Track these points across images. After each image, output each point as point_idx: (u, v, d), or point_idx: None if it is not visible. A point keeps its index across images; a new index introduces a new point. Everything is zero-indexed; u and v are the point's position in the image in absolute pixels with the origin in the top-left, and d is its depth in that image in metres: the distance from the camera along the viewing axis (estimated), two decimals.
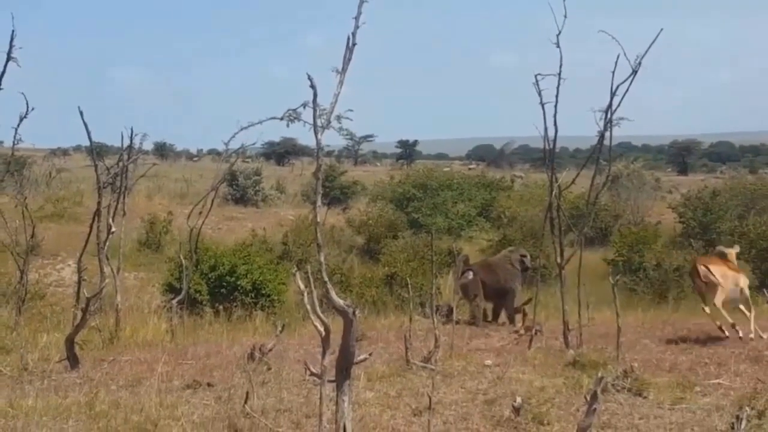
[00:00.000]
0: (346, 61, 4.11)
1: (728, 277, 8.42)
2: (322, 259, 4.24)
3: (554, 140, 8.28)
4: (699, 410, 5.83)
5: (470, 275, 10.13)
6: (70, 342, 7.33)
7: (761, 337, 8.24)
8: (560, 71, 7.67)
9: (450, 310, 9.37)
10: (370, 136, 69.07)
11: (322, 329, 4.22)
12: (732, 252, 8.86)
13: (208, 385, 6.50)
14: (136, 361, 7.58)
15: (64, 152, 56.70)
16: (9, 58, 7.45)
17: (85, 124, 8.39)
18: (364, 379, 6.50)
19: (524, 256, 10.55)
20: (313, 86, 4.10)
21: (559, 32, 7.62)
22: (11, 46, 7.42)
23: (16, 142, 9.24)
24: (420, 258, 13.52)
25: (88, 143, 9.15)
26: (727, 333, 8.20)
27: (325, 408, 4.46)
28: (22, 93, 8.29)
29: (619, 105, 7.78)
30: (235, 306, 11.18)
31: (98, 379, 6.84)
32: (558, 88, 7.77)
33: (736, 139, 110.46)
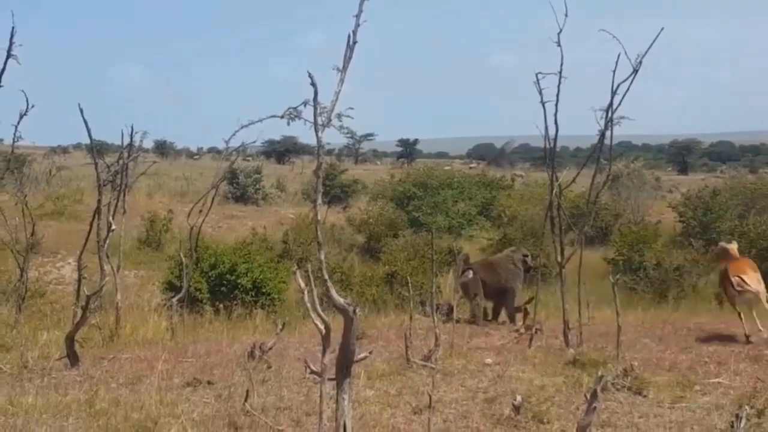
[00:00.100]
0: (347, 59, 4.10)
1: (760, 281, 8.37)
2: (322, 257, 4.23)
3: (555, 139, 8.27)
4: (699, 409, 5.83)
5: (470, 274, 10.13)
6: (70, 340, 7.33)
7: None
8: (561, 70, 7.64)
9: (450, 309, 9.36)
10: (371, 134, 68.95)
11: (322, 327, 4.22)
12: (734, 246, 8.87)
13: (208, 383, 6.50)
14: (136, 359, 7.58)
15: (65, 150, 56.52)
16: (9, 55, 7.43)
17: (86, 122, 8.37)
18: (364, 377, 6.50)
19: (526, 255, 10.56)
20: (313, 84, 4.09)
21: (560, 30, 7.59)
22: (11, 43, 7.39)
23: (16, 140, 9.25)
24: (420, 257, 13.53)
25: (88, 141, 9.13)
26: (751, 339, 8.15)
27: (325, 406, 4.45)
28: (22, 90, 8.28)
29: (619, 104, 7.77)
30: (236, 304, 11.17)
31: (98, 376, 6.83)
32: (559, 86, 7.74)
33: (736, 138, 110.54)
